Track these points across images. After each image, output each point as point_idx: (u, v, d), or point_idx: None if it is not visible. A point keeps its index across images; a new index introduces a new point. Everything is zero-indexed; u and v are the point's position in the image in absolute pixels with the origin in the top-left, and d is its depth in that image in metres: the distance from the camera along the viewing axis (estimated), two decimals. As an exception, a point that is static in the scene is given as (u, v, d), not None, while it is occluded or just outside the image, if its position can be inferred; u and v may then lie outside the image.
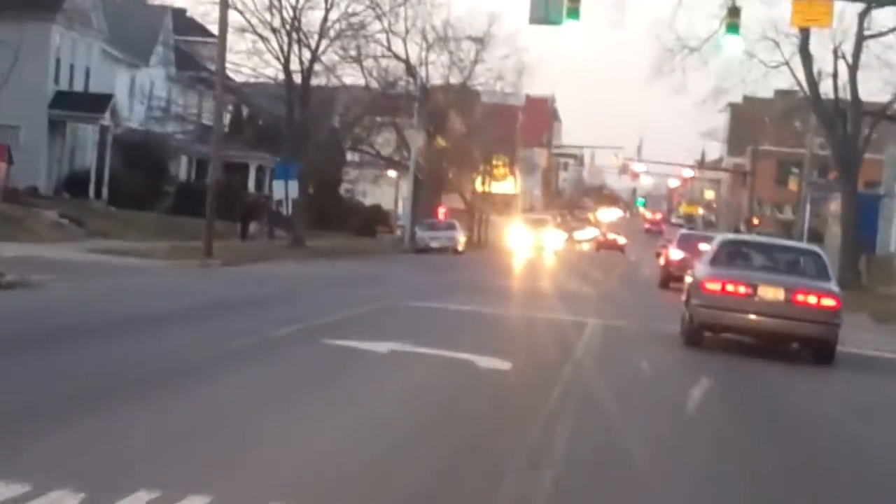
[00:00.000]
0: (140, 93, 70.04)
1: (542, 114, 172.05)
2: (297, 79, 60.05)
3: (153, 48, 71.27)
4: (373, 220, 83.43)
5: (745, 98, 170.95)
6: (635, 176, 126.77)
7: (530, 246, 77.94)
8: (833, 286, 23.34)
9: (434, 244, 71.71)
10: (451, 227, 74.98)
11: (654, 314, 32.54)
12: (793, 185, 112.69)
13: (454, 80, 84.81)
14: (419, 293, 32.76)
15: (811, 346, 23.25)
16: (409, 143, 76.02)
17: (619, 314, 31.12)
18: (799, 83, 59.20)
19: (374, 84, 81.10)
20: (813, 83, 58.67)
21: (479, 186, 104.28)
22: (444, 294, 32.59)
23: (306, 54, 59.84)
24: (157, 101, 70.63)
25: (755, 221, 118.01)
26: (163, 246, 46.29)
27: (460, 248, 73.38)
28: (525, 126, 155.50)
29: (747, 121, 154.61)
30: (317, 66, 62.42)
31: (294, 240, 57.69)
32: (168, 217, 62.20)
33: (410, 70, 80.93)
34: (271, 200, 58.83)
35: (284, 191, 54.40)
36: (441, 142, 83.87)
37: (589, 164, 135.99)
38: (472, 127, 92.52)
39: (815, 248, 27.83)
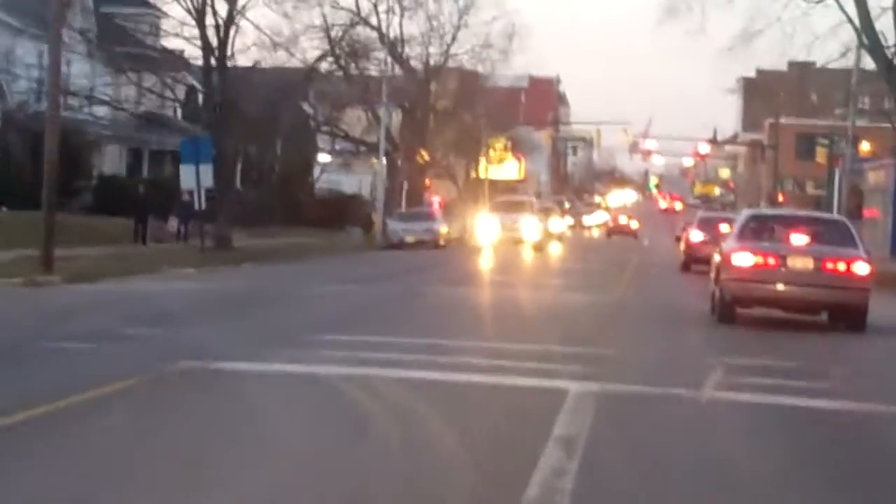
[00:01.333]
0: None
1: (546, 95, 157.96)
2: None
3: (65, 17, 56.85)
4: (348, 212, 68.99)
5: (759, 71, 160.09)
6: (647, 154, 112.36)
7: (500, 236, 59.32)
8: (861, 252, 22.46)
9: (409, 238, 57.62)
10: (430, 217, 60.34)
11: (683, 341, 18.74)
12: (821, 156, 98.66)
13: (434, 49, 70.59)
14: (295, 330, 18.67)
15: (842, 314, 22.30)
16: (382, 121, 61.76)
17: (629, 353, 17.12)
18: (849, 19, 44.97)
19: (345, 63, 67.41)
20: (867, 18, 44.49)
21: (477, 171, 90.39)
22: (344, 328, 18.52)
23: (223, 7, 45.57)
24: (73, 79, 56.28)
25: (780, 198, 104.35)
26: (7, 257, 32.87)
27: (442, 241, 59.05)
28: (529, 108, 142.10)
29: (762, 94, 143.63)
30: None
31: (218, 241, 43.67)
32: (82, 218, 48.43)
33: (382, 38, 66.74)
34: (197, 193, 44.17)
35: (195, 178, 40.28)
36: (421, 120, 69.69)
37: (595, 141, 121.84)
38: (461, 105, 78.46)
39: (840, 217, 27.15)
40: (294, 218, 68.34)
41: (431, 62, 70.13)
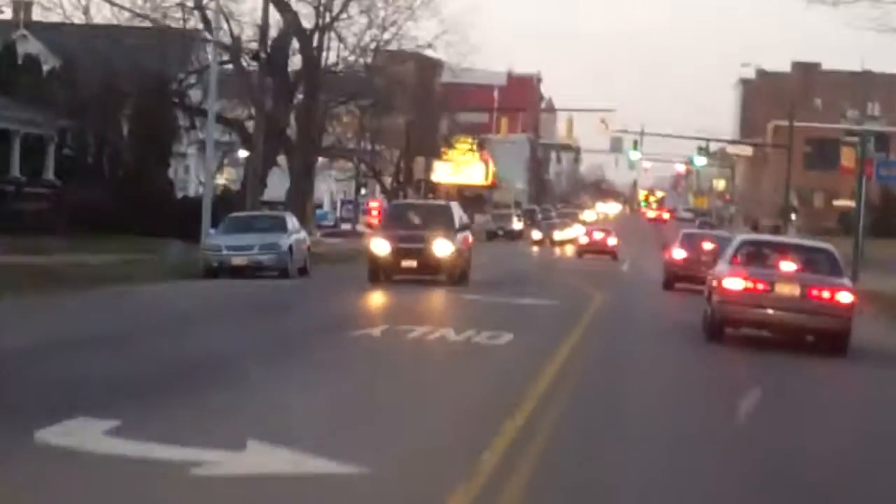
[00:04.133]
0: None
1: (526, 94, 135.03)
2: None
3: None
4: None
5: (759, 72, 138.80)
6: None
7: None
8: (846, 282, 22.71)
9: (236, 261, 33.81)
10: (279, 227, 35.62)
11: None
12: (847, 159, 75.30)
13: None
14: None
15: (826, 339, 22.37)
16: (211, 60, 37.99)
17: None
18: None
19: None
20: None
21: (408, 169, 67.36)
22: None
23: None
24: None
25: (792, 215, 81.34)
26: None
27: (299, 266, 35.19)
28: (504, 108, 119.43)
29: (762, 98, 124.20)
30: None
31: None
32: None
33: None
34: None
35: None
36: (307, 89, 46.19)
37: (567, 131, 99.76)
38: (384, 85, 55.44)
39: (827, 246, 25.60)
40: (129, 224, 46.06)
41: (323, 9, 46.54)
